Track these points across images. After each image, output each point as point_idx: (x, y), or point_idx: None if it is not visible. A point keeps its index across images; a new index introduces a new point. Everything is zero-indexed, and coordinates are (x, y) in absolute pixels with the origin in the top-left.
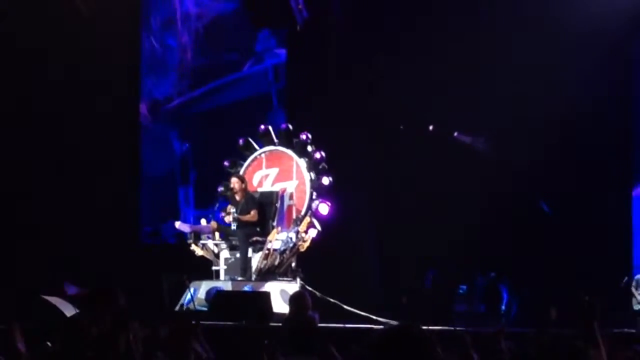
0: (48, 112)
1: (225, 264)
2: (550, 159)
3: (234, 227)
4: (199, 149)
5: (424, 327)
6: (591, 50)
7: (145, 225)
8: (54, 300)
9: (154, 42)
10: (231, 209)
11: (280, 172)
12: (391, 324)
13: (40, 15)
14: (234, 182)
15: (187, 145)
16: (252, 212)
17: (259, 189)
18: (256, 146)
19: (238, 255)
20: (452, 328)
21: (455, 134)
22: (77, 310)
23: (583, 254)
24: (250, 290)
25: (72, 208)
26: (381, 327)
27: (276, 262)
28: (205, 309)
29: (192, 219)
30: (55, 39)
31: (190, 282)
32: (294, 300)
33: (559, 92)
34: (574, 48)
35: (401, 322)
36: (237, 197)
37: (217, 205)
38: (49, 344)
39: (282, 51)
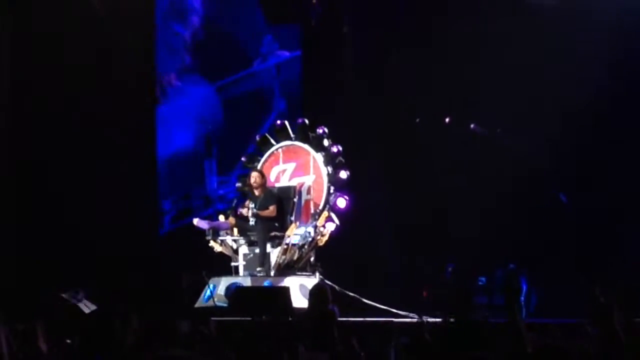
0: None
1: (244, 260)
2: (568, 149)
3: (252, 222)
4: (219, 128)
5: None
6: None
7: (168, 208)
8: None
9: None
10: (250, 204)
11: (297, 167)
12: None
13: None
14: (255, 176)
15: (209, 125)
16: (271, 208)
17: (277, 184)
18: (273, 141)
19: (257, 250)
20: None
21: (472, 125)
22: (96, 307)
23: (603, 244)
24: (270, 285)
25: (92, 198)
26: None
27: (295, 257)
28: (224, 305)
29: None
30: (72, 22)
31: (209, 278)
32: (314, 294)
33: (577, 81)
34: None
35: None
36: (257, 192)
37: (235, 201)
38: (68, 341)
39: (284, 52)
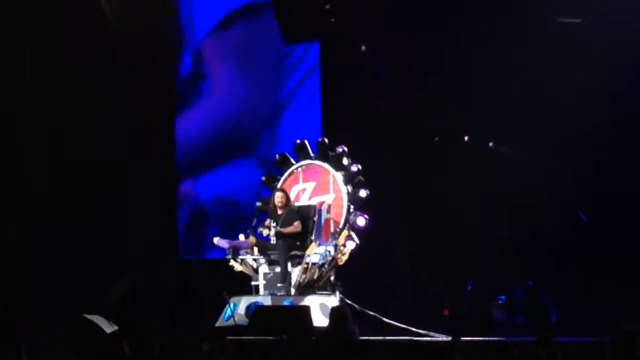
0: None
1: (264, 279)
2: (587, 166)
3: (273, 240)
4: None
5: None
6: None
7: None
8: (95, 318)
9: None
10: (271, 223)
11: (317, 186)
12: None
13: None
14: (280, 196)
15: None
16: (296, 223)
17: (297, 203)
18: (292, 160)
19: (277, 270)
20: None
21: (491, 144)
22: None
23: (623, 261)
24: (290, 304)
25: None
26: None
27: (315, 276)
28: (245, 324)
29: None
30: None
31: (229, 297)
32: (335, 314)
33: (595, 98)
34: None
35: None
36: (280, 211)
37: (255, 220)
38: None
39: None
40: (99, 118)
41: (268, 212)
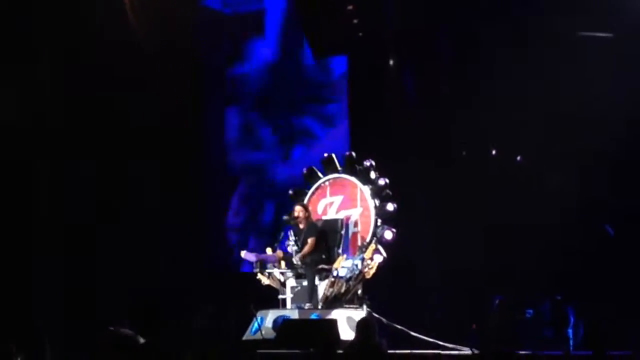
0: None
1: (291, 293)
2: (614, 179)
3: (295, 260)
4: None
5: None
6: None
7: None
8: (119, 331)
9: None
10: (292, 242)
11: (344, 200)
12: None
13: None
14: (298, 210)
15: None
16: (310, 241)
17: (324, 217)
18: (320, 174)
19: (304, 283)
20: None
21: (519, 158)
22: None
23: None
24: (317, 318)
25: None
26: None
27: (342, 290)
28: (272, 337)
29: None
30: None
31: (257, 311)
32: (361, 326)
33: (622, 113)
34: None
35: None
36: (301, 226)
37: (282, 234)
38: None
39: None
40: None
41: (293, 225)
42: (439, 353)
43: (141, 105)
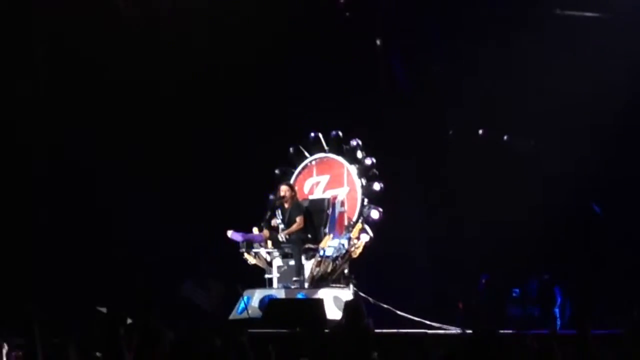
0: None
1: (278, 272)
2: (601, 157)
3: (281, 238)
4: None
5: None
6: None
7: None
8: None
9: None
10: (280, 224)
11: (331, 179)
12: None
13: None
14: (284, 190)
15: None
16: (298, 219)
17: (310, 197)
18: (307, 154)
19: (291, 262)
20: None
21: (505, 137)
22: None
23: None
24: (304, 297)
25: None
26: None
27: (329, 269)
28: (258, 317)
29: None
30: None
31: (243, 290)
32: (349, 307)
33: (608, 90)
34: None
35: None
36: (286, 205)
37: (269, 213)
38: (98, 354)
39: None
40: None
41: (279, 205)
42: (426, 332)
43: None
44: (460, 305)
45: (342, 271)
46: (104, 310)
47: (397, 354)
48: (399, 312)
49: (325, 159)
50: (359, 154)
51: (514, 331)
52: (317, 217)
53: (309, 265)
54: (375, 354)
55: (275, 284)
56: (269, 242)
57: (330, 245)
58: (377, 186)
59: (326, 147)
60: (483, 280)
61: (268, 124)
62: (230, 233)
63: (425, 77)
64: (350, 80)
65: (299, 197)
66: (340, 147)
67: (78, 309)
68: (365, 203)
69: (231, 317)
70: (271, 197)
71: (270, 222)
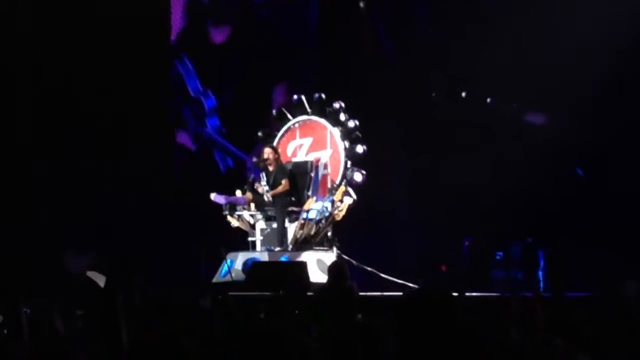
0: None
1: (261, 235)
2: (585, 122)
3: (266, 199)
4: None
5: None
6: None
7: None
8: (94, 274)
9: None
10: (265, 186)
11: (314, 142)
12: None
13: None
14: (267, 152)
15: None
16: (284, 182)
17: (293, 159)
18: (289, 116)
19: (274, 225)
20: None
21: (489, 100)
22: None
23: (621, 218)
24: (287, 260)
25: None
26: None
27: (312, 232)
28: (242, 280)
29: None
30: None
31: (226, 253)
32: (333, 270)
33: (594, 53)
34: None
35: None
36: (270, 168)
37: (252, 176)
38: (79, 313)
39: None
40: None
41: (262, 167)
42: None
43: None
44: (444, 268)
45: (326, 234)
46: (90, 274)
47: (380, 317)
48: (382, 275)
49: (308, 122)
50: (342, 117)
51: (498, 293)
52: (301, 180)
53: (292, 228)
54: (360, 316)
55: (258, 246)
56: (252, 205)
57: (313, 207)
58: (360, 149)
59: (309, 110)
60: (466, 243)
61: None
62: (213, 196)
63: (409, 40)
64: (334, 43)
65: (282, 159)
66: (323, 110)
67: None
68: (349, 165)
69: (214, 280)
70: (254, 159)
71: (253, 185)
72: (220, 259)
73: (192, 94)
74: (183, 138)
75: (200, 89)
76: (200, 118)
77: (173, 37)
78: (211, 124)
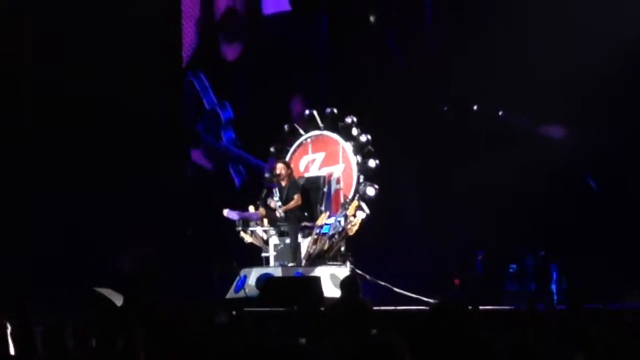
0: None
1: (274, 250)
2: (599, 132)
3: (279, 215)
4: None
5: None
6: None
7: None
8: (106, 291)
9: None
10: (277, 202)
11: (326, 157)
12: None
13: None
14: (280, 167)
15: None
16: (296, 197)
17: (306, 174)
18: (302, 131)
19: (287, 241)
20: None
21: (500, 112)
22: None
23: (633, 230)
24: (300, 275)
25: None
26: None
27: (325, 247)
28: (255, 295)
29: None
30: None
31: (240, 269)
32: (345, 284)
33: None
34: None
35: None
36: (283, 183)
37: (265, 191)
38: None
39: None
40: None
41: (275, 183)
42: (423, 309)
43: None
44: (457, 282)
45: (339, 249)
46: (102, 291)
47: (394, 331)
48: (395, 289)
49: (320, 137)
50: (354, 131)
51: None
52: (313, 195)
53: (305, 244)
54: (374, 331)
55: (272, 262)
56: (265, 221)
57: (326, 222)
58: (372, 163)
59: (321, 125)
60: (479, 257)
61: (262, 103)
62: (226, 212)
63: (419, 53)
64: (346, 58)
65: (295, 175)
66: (335, 125)
67: (76, 289)
68: (361, 180)
69: (228, 295)
70: (267, 175)
71: (266, 201)
72: (234, 275)
73: (207, 107)
74: (197, 156)
75: (216, 101)
76: (215, 131)
77: (186, 55)
78: (226, 137)
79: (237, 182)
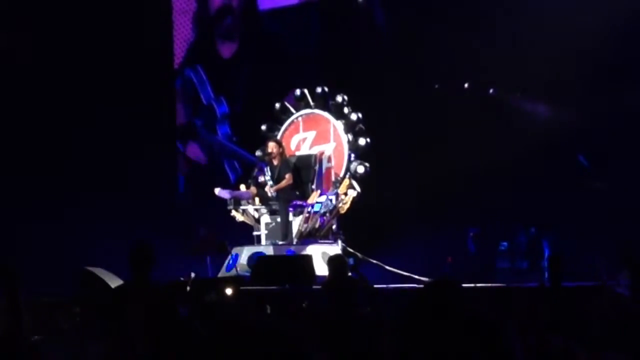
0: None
1: (266, 229)
2: (590, 111)
3: (269, 193)
4: None
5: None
6: None
7: None
8: (97, 271)
9: None
10: (268, 180)
11: (317, 135)
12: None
13: None
14: (272, 146)
15: None
16: (287, 176)
17: (297, 153)
18: (293, 110)
19: (279, 219)
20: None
21: (491, 90)
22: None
23: (624, 207)
24: (292, 254)
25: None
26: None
27: (317, 225)
28: (247, 274)
29: None
30: None
31: (231, 247)
32: (331, 262)
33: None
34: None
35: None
36: (275, 162)
37: (256, 170)
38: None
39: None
40: None
41: (267, 161)
42: (414, 287)
43: None
44: (449, 260)
45: (330, 227)
46: (94, 270)
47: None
48: (387, 267)
49: (311, 115)
50: (345, 110)
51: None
52: (305, 173)
53: (297, 222)
54: (368, 308)
55: (263, 240)
56: (257, 199)
57: (318, 201)
58: (363, 141)
59: (312, 103)
60: (471, 234)
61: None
62: (217, 190)
63: (411, 31)
64: (336, 36)
65: (286, 153)
66: (326, 103)
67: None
68: (352, 158)
69: (220, 274)
70: (258, 153)
71: (257, 179)
72: (226, 254)
73: (204, 101)
74: (193, 149)
75: (213, 96)
76: (211, 126)
77: (182, 50)
78: (222, 132)
79: (232, 178)
